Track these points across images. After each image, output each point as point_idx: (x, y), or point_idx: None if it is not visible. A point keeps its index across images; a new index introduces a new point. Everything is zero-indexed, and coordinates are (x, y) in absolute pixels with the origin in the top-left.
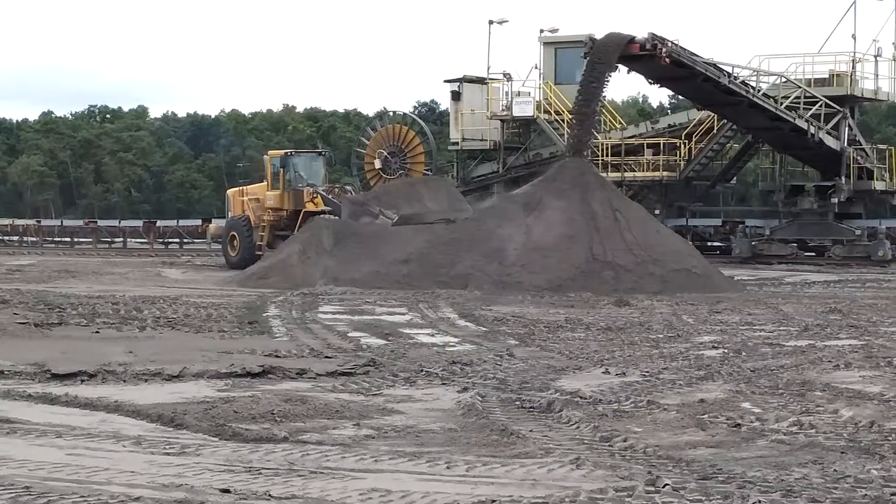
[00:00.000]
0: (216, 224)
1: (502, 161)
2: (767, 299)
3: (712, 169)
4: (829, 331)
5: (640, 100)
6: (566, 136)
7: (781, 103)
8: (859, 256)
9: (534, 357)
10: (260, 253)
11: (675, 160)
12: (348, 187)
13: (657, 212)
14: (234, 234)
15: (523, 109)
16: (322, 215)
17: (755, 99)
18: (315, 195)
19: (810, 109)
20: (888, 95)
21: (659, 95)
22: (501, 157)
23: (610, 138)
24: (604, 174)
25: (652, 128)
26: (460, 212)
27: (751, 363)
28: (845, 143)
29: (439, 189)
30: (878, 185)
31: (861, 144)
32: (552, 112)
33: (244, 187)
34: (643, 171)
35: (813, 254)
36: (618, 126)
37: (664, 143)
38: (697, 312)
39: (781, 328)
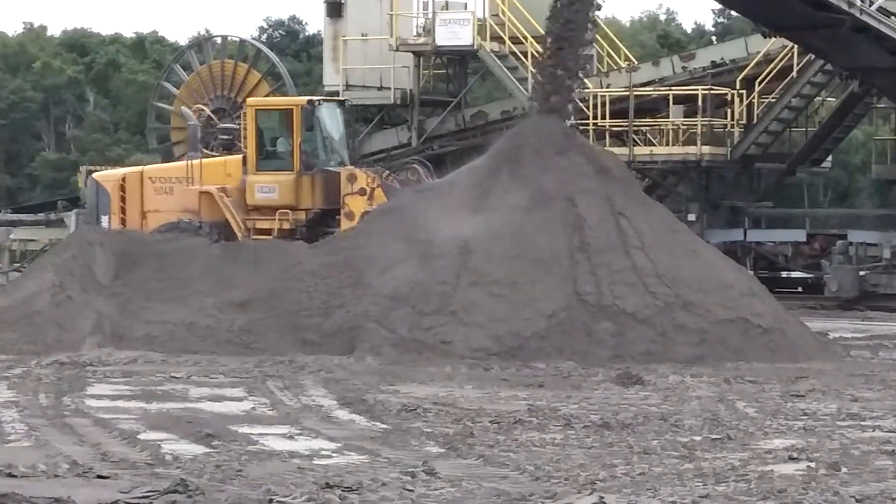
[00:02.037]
0: None
1: (417, 126)
2: (886, 374)
3: (789, 142)
4: None
5: (663, 18)
6: (532, 82)
7: None
8: None
9: (472, 476)
10: None
11: (725, 126)
12: (420, 168)
13: (693, 217)
14: None
15: (455, 35)
16: None
17: (864, 18)
18: (376, 182)
19: None
20: None
21: (695, 12)
22: (415, 118)
23: (609, 86)
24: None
25: (683, 68)
26: None
27: (857, 486)
28: None
29: None
30: None
31: None
32: (506, 39)
33: (162, 164)
34: (667, 144)
35: None
36: (624, 65)
37: (705, 96)
38: (764, 397)
39: None
